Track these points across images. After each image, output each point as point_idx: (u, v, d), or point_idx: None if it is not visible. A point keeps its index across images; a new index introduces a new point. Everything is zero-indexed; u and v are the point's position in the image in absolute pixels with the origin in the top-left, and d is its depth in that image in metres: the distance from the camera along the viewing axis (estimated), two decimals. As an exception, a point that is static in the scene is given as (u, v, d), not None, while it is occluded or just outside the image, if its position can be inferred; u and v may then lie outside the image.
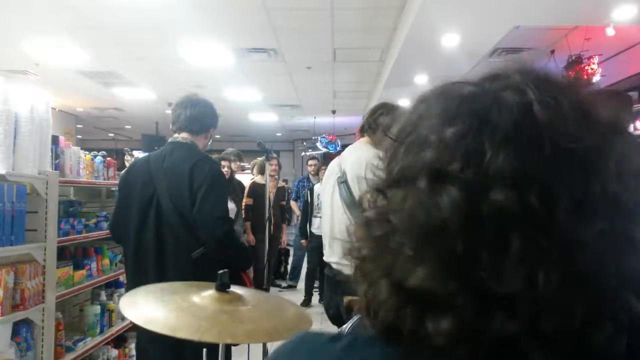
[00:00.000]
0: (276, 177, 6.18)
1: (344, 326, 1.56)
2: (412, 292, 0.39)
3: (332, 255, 2.41)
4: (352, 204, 2.28)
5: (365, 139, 2.43)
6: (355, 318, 1.55)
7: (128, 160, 5.36)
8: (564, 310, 0.36)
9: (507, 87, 0.42)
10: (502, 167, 0.37)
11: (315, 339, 0.48)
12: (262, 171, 5.69)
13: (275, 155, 5.61)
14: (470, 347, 0.38)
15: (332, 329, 2.55)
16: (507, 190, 0.36)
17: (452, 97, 0.44)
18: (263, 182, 5.18)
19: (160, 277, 2.21)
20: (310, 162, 6.97)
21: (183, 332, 1.22)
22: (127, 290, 2.49)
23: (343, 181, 2.35)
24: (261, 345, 2.20)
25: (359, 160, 2.31)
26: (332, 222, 2.40)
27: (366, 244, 0.45)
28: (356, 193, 2.29)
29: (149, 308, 1.37)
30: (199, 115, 2.41)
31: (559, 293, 0.36)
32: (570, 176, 0.37)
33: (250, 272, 2.49)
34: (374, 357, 0.43)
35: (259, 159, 5.92)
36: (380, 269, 0.43)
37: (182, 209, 2.21)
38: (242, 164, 5.65)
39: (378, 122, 2.36)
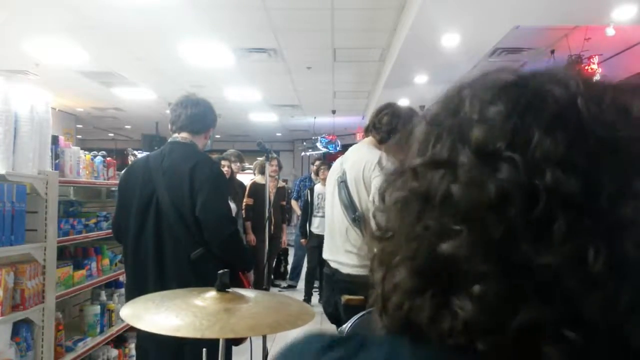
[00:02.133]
0: (276, 177, 6.18)
1: (344, 326, 1.56)
2: (437, 269, 0.39)
3: (331, 253, 2.42)
4: (350, 204, 2.30)
5: (369, 139, 2.45)
6: (355, 317, 1.55)
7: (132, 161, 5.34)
8: (608, 293, 0.35)
9: (551, 81, 0.43)
10: (549, 152, 0.38)
11: (308, 347, 0.46)
12: (262, 171, 5.69)
13: (275, 155, 5.61)
14: (496, 336, 0.37)
15: (333, 328, 2.55)
16: (556, 172, 0.37)
17: (494, 82, 0.44)
18: (263, 182, 5.19)
19: (159, 277, 2.22)
20: (316, 162, 6.96)
21: (185, 331, 1.22)
22: (126, 290, 2.49)
23: (343, 180, 2.36)
24: (261, 345, 2.20)
25: (359, 162, 2.33)
26: (333, 220, 2.41)
27: (392, 226, 0.45)
28: (354, 194, 2.30)
29: (150, 313, 1.37)
30: (199, 114, 2.41)
31: (605, 273, 0.35)
32: (612, 165, 0.38)
33: (251, 275, 2.50)
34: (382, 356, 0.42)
35: (260, 159, 5.93)
36: (403, 252, 0.42)
37: (181, 209, 2.21)
38: (242, 164, 5.65)
39: (382, 122, 2.38)
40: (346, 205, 2.31)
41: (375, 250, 0.47)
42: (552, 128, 0.39)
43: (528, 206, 0.37)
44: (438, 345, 0.39)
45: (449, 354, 0.39)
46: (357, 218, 2.26)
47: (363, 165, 2.29)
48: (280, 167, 6.18)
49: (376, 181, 2.23)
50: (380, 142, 2.39)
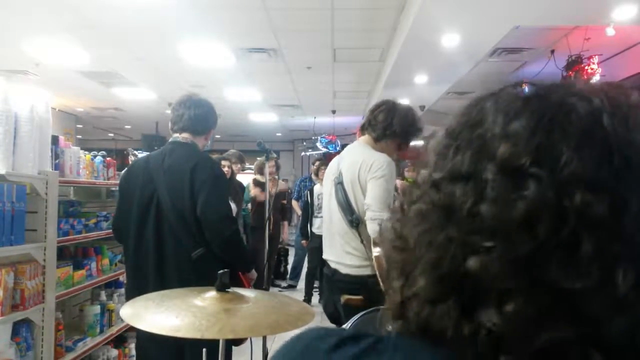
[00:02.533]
0: (275, 177, 6.19)
1: (344, 325, 1.56)
2: (461, 280, 0.39)
3: (331, 253, 2.42)
4: (348, 206, 2.28)
5: (365, 137, 2.41)
6: (356, 317, 1.55)
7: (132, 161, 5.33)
8: (635, 317, 0.35)
9: (574, 95, 0.42)
10: (577, 172, 0.37)
11: (317, 343, 0.46)
12: (261, 171, 5.73)
13: (274, 155, 5.62)
14: (520, 351, 0.37)
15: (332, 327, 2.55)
16: (585, 193, 0.37)
17: (517, 95, 0.44)
18: (262, 180, 5.35)
19: (160, 276, 2.21)
20: (316, 162, 6.95)
21: (184, 332, 1.22)
22: (127, 290, 2.49)
23: (339, 182, 2.34)
24: (261, 345, 2.20)
25: (355, 163, 2.30)
26: (331, 221, 2.40)
27: (412, 236, 0.44)
28: (351, 196, 2.28)
29: (150, 312, 1.37)
30: (202, 116, 2.40)
31: (633, 296, 0.35)
32: (638, 185, 0.37)
33: (254, 274, 2.49)
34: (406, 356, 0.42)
35: (260, 158, 5.95)
36: (424, 261, 0.42)
37: (182, 209, 2.21)
38: (243, 165, 5.66)
39: (378, 119, 2.34)
40: (344, 207, 2.29)
41: (393, 259, 0.46)
42: (580, 146, 0.38)
43: (556, 226, 0.37)
44: (458, 353, 0.39)
45: None
46: (354, 220, 2.25)
47: (359, 166, 2.27)
48: (277, 167, 6.17)
49: (372, 183, 2.21)
50: (376, 140, 2.36)
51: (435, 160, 0.45)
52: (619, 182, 0.37)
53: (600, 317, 0.35)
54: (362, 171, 2.25)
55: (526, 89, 0.45)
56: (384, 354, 0.42)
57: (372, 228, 2.14)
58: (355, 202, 2.27)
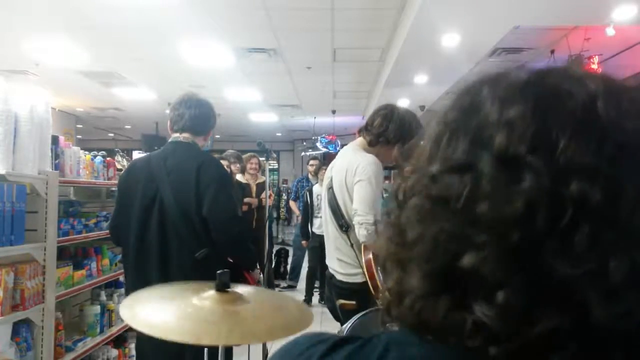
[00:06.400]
0: (258, 174, 6.14)
1: (344, 326, 1.57)
2: (455, 277, 0.39)
3: (328, 259, 2.45)
4: (338, 211, 2.27)
5: (360, 139, 2.39)
6: (354, 318, 1.56)
7: (119, 162, 5.22)
8: (628, 305, 0.35)
9: (568, 79, 0.42)
10: (573, 159, 0.37)
11: (312, 349, 0.46)
12: (242, 170, 5.73)
13: (274, 155, 5.64)
14: (509, 343, 0.37)
15: (332, 329, 2.56)
16: (581, 181, 0.36)
17: (511, 81, 0.43)
18: (243, 181, 5.61)
19: (163, 276, 2.21)
20: (311, 162, 6.91)
21: (182, 337, 1.22)
22: (127, 290, 2.48)
23: (330, 187, 2.34)
24: (261, 345, 2.20)
25: (343, 168, 2.29)
26: (327, 227, 2.41)
27: (406, 228, 0.44)
28: (340, 201, 2.27)
29: (148, 314, 1.36)
30: (203, 115, 2.39)
31: (626, 284, 0.35)
32: (631, 173, 0.37)
33: (257, 273, 2.50)
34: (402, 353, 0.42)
35: (245, 155, 5.91)
36: (418, 255, 0.42)
37: (187, 209, 2.20)
38: (242, 165, 5.67)
39: (374, 124, 2.31)
40: (335, 211, 2.28)
41: (388, 251, 0.46)
42: (576, 133, 0.38)
43: (553, 217, 0.36)
44: (449, 347, 0.39)
45: (457, 354, 0.39)
46: (343, 225, 2.24)
47: (345, 170, 2.25)
48: (259, 165, 6.10)
49: (357, 187, 2.18)
50: (370, 145, 2.32)
51: (430, 148, 0.44)
52: (613, 168, 0.37)
53: (590, 305, 0.35)
54: (348, 175, 2.24)
55: (523, 74, 0.44)
56: (375, 350, 0.43)
57: (360, 233, 2.11)
58: (344, 206, 2.26)
